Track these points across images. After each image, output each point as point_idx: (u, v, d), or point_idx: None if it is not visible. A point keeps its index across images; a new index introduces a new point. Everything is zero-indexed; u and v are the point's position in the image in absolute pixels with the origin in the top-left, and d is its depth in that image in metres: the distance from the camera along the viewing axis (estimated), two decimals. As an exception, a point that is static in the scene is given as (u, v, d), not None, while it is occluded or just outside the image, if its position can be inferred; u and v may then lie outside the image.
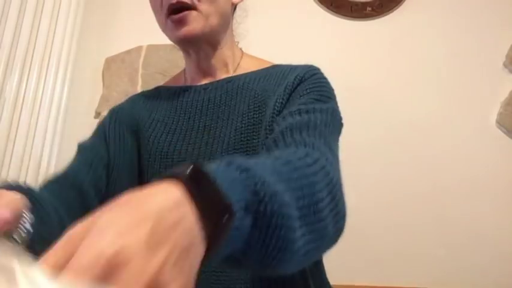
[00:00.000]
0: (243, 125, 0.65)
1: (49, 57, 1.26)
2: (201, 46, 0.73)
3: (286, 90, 0.64)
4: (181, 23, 0.69)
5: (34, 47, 1.24)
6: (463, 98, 1.36)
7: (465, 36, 1.40)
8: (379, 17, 1.40)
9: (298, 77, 0.66)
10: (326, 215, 0.41)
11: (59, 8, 1.29)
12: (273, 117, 0.61)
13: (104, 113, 1.33)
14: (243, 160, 0.36)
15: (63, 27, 1.28)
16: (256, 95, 0.68)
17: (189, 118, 0.70)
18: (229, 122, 0.66)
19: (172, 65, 1.36)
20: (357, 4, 1.40)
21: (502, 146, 1.34)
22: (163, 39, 1.41)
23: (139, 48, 1.37)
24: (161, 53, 1.36)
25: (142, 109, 0.75)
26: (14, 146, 1.19)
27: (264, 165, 0.38)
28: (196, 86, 0.74)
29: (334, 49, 1.37)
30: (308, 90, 0.63)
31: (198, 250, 0.28)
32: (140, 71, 1.36)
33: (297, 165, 0.42)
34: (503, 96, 1.35)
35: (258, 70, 0.74)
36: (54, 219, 0.52)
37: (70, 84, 1.29)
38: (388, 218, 1.26)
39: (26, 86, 1.22)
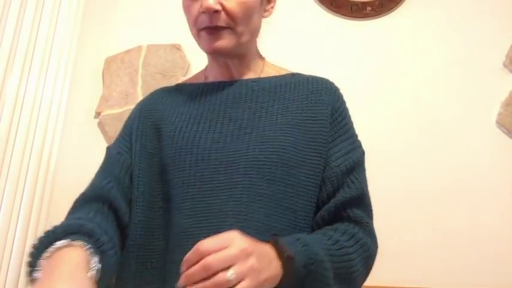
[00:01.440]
0: (271, 123, 0.71)
1: (49, 57, 1.26)
2: (230, 57, 0.78)
3: (325, 126, 0.73)
4: (215, 36, 0.73)
5: (34, 47, 1.24)
6: (463, 98, 1.36)
7: (465, 36, 1.40)
8: (379, 17, 1.40)
9: (329, 106, 0.75)
10: (357, 277, 0.65)
11: (59, 8, 1.29)
12: (319, 143, 0.71)
13: (104, 113, 1.34)
14: (306, 237, 0.61)
15: (63, 27, 1.28)
16: (284, 99, 0.75)
17: (214, 110, 0.73)
18: (256, 118, 0.72)
19: (172, 65, 1.36)
20: (357, 4, 1.40)
21: (502, 146, 1.34)
22: (163, 39, 1.42)
23: (139, 48, 1.37)
24: (161, 53, 1.36)
25: (166, 103, 0.77)
26: (14, 145, 1.19)
27: (319, 242, 0.62)
28: (221, 82, 0.78)
29: (334, 49, 1.37)
30: (343, 131, 0.75)
31: (275, 281, 0.55)
32: (140, 71, 1.36)
33: (343, 245, 0.63)
34: (503, 96, 1.35)
35: (281, 76, 0.81)
36: (113, 254, 0.60)
37: (70, 84, 1.29)
38: (388, 218, 1.26)
39: (26, 86, 1.22)
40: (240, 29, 0.74)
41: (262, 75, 0.81)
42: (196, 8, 0.75)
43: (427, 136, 1.34)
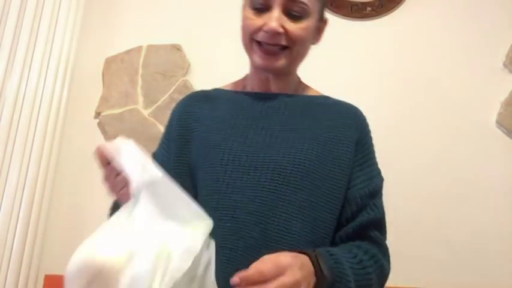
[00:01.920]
0: (300, 137, 0.78)
1: (49, 57, 1.26)
2: (276, 74, 0.83)
3: (351, 148, 0.80)
4: (272, 55, 0.79)
5: (34, 47, 1.24)
6: (463, 98, 1.36)
7: (465, 36, 1.40)
8: (379, 17, 1.40)
9: (356, 131, 0.83)
10: None
11: (59, 8, 1.29)
12: (342, 167, 0.78)
13: (104, 113, 1.34)
14: (338, 254, 0.68)
15: (63, 27, 1.28)
16: (314, 118, 0.82)
17: (248, 117, 0.78)
18: (287, 130, 0.78)
19: (173, 65, 1.36)
20: (356, 4, 1.40)
21: (502, 146, 1.34)
22: (163, 39, 1.42)
23: (139, 48, 1.37)
24: (161, 53, 1.36)
25: (203, 107, 0.82)
26: (14, 145, 1.19)
27: (347, 260, 0.68)
28: (258, 93, 0.84)
29: (334, 49, 1.37)
30: (367, 157, 0.82)
31: None
32: (140, 71, 1.36)
33: (365, 265, 0.71)
34: (503, 96, 1.35)
35: (314, 96, 0.88)
36: None
37: (70, 84, 1.29)
38: (387, 218, 1.26)
39: (26, 86, 1.22)
40: (296, 51, 0.80)
41: (298, 92, 0.87)
42: (258, 22, 0.79)
43: (427, 136, 1.34)
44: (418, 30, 1.40)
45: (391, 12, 1.41)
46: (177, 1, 1.42)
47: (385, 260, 0.78)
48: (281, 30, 0.77)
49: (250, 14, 0.81)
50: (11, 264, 1.15)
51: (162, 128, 1.32)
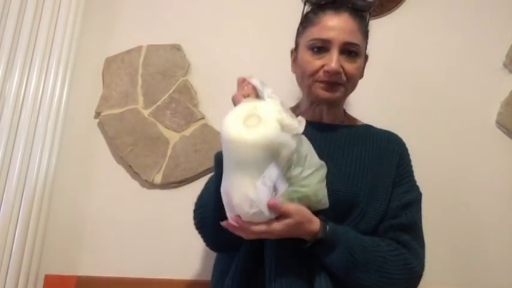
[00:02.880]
0: (350, 164, 0.91)
1: (49, 57, 1.26)
2: (329, 105, 0.98)
3: (393, 170, 0.94)
4: (330, 89, 0.92)
5: (34, 47, 1.24)
6: (463, 98, 1.36)
7: (465, 36, 1.40)
8: (379, 17, 1.40)
9: (397, 155, 0.97)
10: (392, 284, 0.82)
11: (59, 8, 1.29)
12: (385, 185, 0.92)
13: (104, 113, 1.33)
14: (351, 231, 0.83)
15: (63, 27, 1.28)
16: (362, 146, 0.95)
17: None
18: (339, 157, 0.91)
19: (172, 65, 1.36)
20: (357, 4, 1.39)
21: (502, 146, 1.34)
22: (163, 39, 1.42)
23: (139, 48, 1.37)
24: (161, 53, 1.36)
25: None
26: (14, 145, 1.19)
27: (357, 237, 0.83)
28: (311, 122, 0.93)
29: (334, 49, 1.37)
30: (406, 175, 0.96)
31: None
32: (140, 71, 1.36)
33: (381, 249, 0.83)
34: (503, 96, 1.35)
35: (359, 126, 1.03)
36: None
37: (70, 84, 1.29)
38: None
39: (26, 86, 1.22)
40: (349, 86, 0.94)
41: (344, 122, 1.02)
42: (317, 64, 0.92)
43: (426, 136, 1.34)
44: (418, 30, 1.40)
45: (391, 12, 1.41)
46: (177, 1, 1.42)
47: (415, 260, 0.85)
48: (341, 70, 0.89)
49: (308, 56, 0.93)
50: (11, 264, 1.15)
51: (162, 128, 1.32)
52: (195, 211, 0.98)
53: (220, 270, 0.93)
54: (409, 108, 1.36)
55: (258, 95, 0.79)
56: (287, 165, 0.74)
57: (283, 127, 0.73)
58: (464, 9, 1.41)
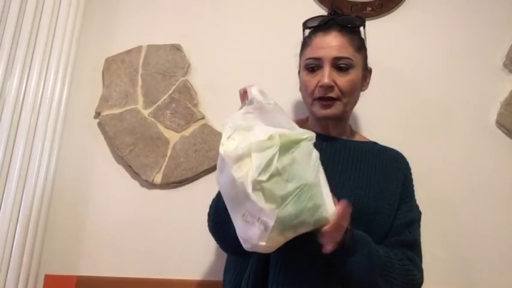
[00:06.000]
0: (358, 179, 0.94)
1: (49, 57, 1.26)
2: (333, 120, 1.02)
3: (398, 188, 0.99)
4: (327, 106, 0.98)
5: (34, 47, 1.24)
6: (463, 98, 1.36)
7: (465, 36, 1.40)
8: (379, 17, 1.40)
9: (402, 174, 1.03)
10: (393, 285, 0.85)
11: (59, 8, 1.29)
12: (391, 203, 0.96)
13: (104, 113, 1.34)
14: (370, 240, 0.85)
15: (63, 27, 1.28)
16: (368, 162, 0.99)
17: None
18: (348, 171, 0.95)
19: (172, 65, 1.36)
20: (356, 4, 1.40)
21: (502, 146, 1.34)
22: (163, 39, 1.42)
23: (139, 48, 1.37)
24: (161, 53, 1.36)
25: None
26: (14, 145, 1.19)
27: (373, 245, 0.85)
28: (319, 134, 0.95)
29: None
30: (409, 194, 1.02)
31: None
32: (140, 71, 1.36)
33: (391, 257, 0.87)
34: (503, 96, 1.35)
35: (365, 143, 1.07)
36: None
37: (70, 84, 1.29)
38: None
39: (26, 86, 1.22)
40: (346, 100, 0.98)
41: (351, 138, 1.07)
42: (314, 82, 0.98)
43: (426, 136, 1.34)
44: (418, 30, 1.40)
45: (391, 12, 1.41)
46: (177, 1, 1.42)
47: (416, 270, 0.90)
48: (332, 83, 0.95)
49: (305, 75, 1.00)
50: (11, 264, 1.15)
51: (162, 128, 1.32)
52: (209, 215, 0.98)
53: (233, 271, 0.95)
54: (408, 108, 1.36)
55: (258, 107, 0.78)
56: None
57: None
58: (464, 9, 1.41)
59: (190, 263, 1.26)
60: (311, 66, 0.99)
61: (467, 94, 1.36)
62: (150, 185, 1.31)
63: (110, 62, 1.36)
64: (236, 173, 0.68)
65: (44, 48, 1.25)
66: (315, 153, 0.75)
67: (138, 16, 1.41)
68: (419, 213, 1.01)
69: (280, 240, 0.71)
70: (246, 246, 0.72)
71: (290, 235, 0.71)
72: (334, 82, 0.96)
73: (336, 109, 0.98)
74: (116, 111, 1.33)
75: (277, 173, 0.68)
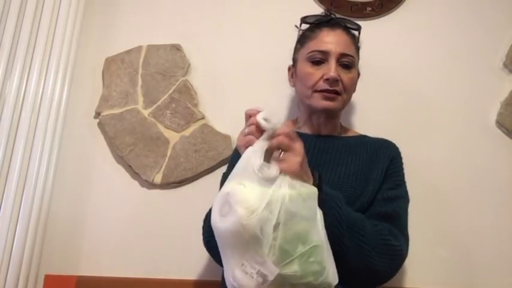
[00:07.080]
0: (345, 170, 0.96)
1: (49, 57, 1.26)
2: (327, 116, 1.04)
3: (383, 169, 0.98)
4: (330, 99, 0.99)
5: (34, 47, 1.24)
6: (463, 98, 1.36)
7: (465, 36, 1.40)
8: (379, 17, 1.40)
9: (389, 159, 1.01)
10: (368, 255, 0.83)
11: (59, 8, 1.29)
12: (374, 185, 0.95)
13: (104, 113, 1.33)
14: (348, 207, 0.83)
15: (63, 27, 1.28)
16: (357, 154, 1.00)
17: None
18: (338, 165, 0.97)
19: (172, 65, 1.36)
20: (356, 4, 1.40)
21: (502, 146, 1.34)
22: (163, 39, 1.42)
23: (139, 48, 1.37)
24: (161, 53, 1.36)
25: None
26: (14, 145, 1.19)
27: (353, 212, 0.85)
28: (311, 135, 1.04)
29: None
30: (394, 174, 0.99)
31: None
32: (140, 71, 1.36)
33: (365, 223, 0.85)
34: (503, 96, 1.35)
35: (355, 137, 1.09)
36: None
37: (70, 84, 1.29)
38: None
39: (26, 86, 1.22)
40: (345, 97, 1.01)
41: (341, 134, 1.09)
42: (318, 75, 0.98)
43: (426, 136, 1.34)
44: (418, 30, 1.40)
45: (391, 12, 1.41)
46: (178, 1, 1.42)
47: (394, 239, 0.87)
48: (339, 78, 0.97)
49: (308, 67, 1.00)
50: (11, 264, 1.15)
51: (162, 128, 1.32)
52: (203, 228, 0.98)
53: None
54: (408, 107, 1.36)
55: (262, 131, 0.75)
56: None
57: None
58: (464, 9, 1.41)
59: (190, 263, 1.26)
60: (316, 59, 1.00)
61: (467, 94, 1.36)
62: (150, 185, 1.31)
63: (110, 62, 1.36)
64: (245, 221, 0.66)
65: (44, 48, 1.25)
66: (320, 213, 0.73)
67: (138, 16, 1.41)
68: (406, 195, 0.99)
69: None
70: None
71: None
72: (339, 77, 0.98)
73: (337, 103, 0.99)
74: (116, 111, 1.33)
75: (288, 229, 0.67)
